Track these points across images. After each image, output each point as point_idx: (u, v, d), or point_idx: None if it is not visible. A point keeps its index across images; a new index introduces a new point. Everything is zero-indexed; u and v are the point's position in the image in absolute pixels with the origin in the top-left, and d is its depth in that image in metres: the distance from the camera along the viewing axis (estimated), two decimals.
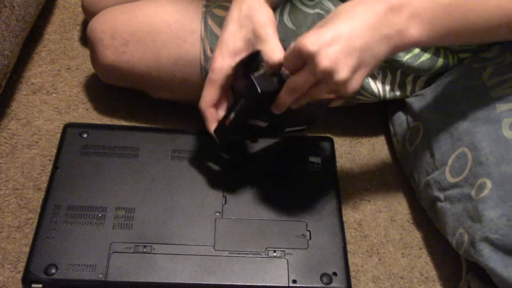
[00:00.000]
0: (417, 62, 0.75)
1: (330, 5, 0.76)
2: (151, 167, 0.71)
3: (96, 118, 0.83)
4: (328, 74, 0.53)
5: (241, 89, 0.62)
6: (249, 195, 0.70)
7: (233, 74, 0.65)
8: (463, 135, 0.70)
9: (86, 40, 0.83)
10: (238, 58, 0.64)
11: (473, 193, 0.66)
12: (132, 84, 0.80)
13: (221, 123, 0.64)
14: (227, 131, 0.64)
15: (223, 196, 0.70)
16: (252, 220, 0.68)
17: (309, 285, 0.64)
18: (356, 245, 0.76)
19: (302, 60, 0.55)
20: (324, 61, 0.52)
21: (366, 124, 0.90)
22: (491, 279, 0.64)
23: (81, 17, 0.96)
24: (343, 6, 0.56)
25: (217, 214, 0.68)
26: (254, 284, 0.63)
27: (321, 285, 0.64)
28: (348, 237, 0.75)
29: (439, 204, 0.72)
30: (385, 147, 0.88)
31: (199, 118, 0.77)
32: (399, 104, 0.84)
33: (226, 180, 0.71)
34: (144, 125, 0.83)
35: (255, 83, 0.57)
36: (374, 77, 0.78)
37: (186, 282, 0.62)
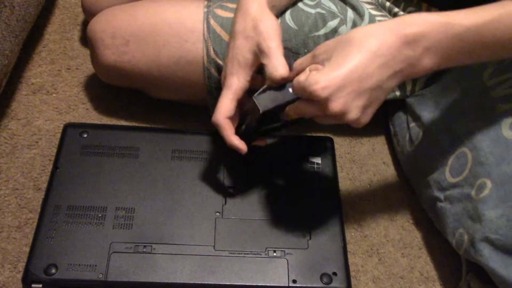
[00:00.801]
0: None
1: (331, 4, 0.76)
2: (151, 167, 0.71)
3: (96, 118, 0.83)
4: (338, 115, 0.53)
5: (246, 106, 0.63)
6: (249, 195, 0.70)
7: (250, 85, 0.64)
8: (463, 135, 0.70)
9: (86, 40, 0.83)
10: (251, 72, 0.63)
11: (473, 193, 0.66)
12: (133, 84, 0.80)
13: (236, 133, 0.65)
14: (242, 139, 0.64)
15: (223, 196, 0.70)
16: (252, 220, 0.68)
17: (309, 285, 0.64)
18: (356, 245, 0.76)
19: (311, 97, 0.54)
20: (335, 105, 0.52)
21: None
22: (491, 279, 0.64)
23: (81, 17, 0.96)
24: (355, 34, 0.54)
25: (217, 214, 0.68)
26: (254, 284, 0.63)
27: (321, 285, 0.64)
28: (348, 237, 0.75)
29: (439, 204, 0.72)
30: (385, 147, 0.88)
31: (199, 118, 0.77)
32: (399, 104, 0.84)
33: (226, 180, 0.71)
34: (144, 125, 0.83)
35: (256, 103, 0.58)
36: None
37: (186, 282, 0.62)
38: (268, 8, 0.63)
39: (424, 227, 0.79)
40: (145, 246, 0.64)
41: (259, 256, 0.65)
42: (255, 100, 0.58)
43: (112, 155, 0.71)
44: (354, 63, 0.52)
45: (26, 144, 0.78)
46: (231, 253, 0.65)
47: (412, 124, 0.79)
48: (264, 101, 0.58)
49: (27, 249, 0.63)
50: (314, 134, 0.86)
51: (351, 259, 0.72)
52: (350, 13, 0.76)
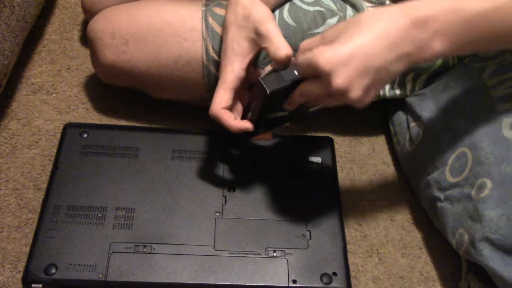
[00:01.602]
0: None
1: (330, 2, 0.76)
2: (151, 167, 0.71)
3: (96, 118, 0.83)
4: (341, 92, 0.53)
5: (252, 90, 0.62)
6: (249, 195, 0.70)
7: (246, 77, 0.64)
8: (463, 135, 0.70)
9: (86, 40, 0.83)
10: (247, 60, 0.63)
11: (473, 193, 0.66)
12: (132, 84, 0.80)
13: None
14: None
15: (223, 196, 0.70)
16: (252, 220, 0.68)
17: (309, 285, 0.64)
18: (356, 245, 0.76)
19: (316, 73, 0.54)
20: (338, 80, 0.52)
21: (366, 124, 0.90)
22: (491, 279, 0.64)
23: (81, 17, 0.96)
24: (364, 16, 0.54)
25: (217, 214, 0.68)
26: (254, 284, 0.63)
27: (321, 285, 0.64)
28: (348, 237, 0.75)
29: (439, 204, 0.72)
30: (385, 147, 0.88)
31: (199, 118, 0.77)
32: (399, 104, 0.84)
33: (226, 180, 0.71)
34: (144, 125, 0.83)
35: (263, 84, 0.57)
36: None
37: (186, 282, 0.62)
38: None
39: (424, 227, 0.79)
40: (145, 246, 0.64)
41: (259, 256, 0.65)
42: (261, 81, 0.57)
43: (112, 155, 0.71)
44: (361, 41, 0.52)
45: (26, 144, 0.78)
46: (231, 253, 0.65)
47: (412, 124, 0.79)
48: (270, 82, 0.57)
49: (27, 249, 0.63)
50: (314, 134, 0.86)
51: (351, 259, 0.72)
52: (349, 11, 0.76)
